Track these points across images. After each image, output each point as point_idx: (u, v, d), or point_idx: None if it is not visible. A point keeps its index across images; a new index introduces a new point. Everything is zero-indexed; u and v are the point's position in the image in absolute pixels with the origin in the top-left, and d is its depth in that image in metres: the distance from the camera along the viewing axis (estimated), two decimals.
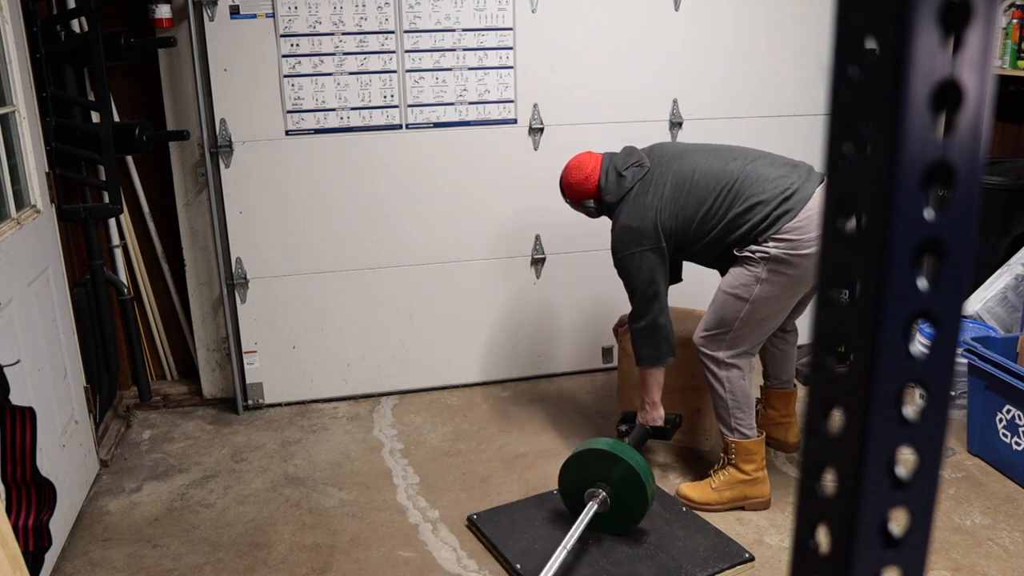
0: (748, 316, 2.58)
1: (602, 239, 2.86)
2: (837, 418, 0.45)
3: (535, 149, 3.51)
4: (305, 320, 3.53)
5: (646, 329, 2.71)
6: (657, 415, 2.83)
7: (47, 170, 2.82)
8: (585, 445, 2.56)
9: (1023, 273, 3.35)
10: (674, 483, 2.91)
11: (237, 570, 2.50)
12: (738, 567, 2.44)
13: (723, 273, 2.71)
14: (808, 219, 2.45)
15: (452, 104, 3.43)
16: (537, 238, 3.62)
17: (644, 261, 2.65)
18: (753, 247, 2.52)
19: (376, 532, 2.68)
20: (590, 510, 2.45)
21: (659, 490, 2.82)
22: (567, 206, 2.90)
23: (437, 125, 3.45)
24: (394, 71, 3.36)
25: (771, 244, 2.49)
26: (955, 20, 0.38)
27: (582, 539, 2.54)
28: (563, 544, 2.34)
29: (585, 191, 2.77)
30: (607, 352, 3.80)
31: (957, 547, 2.52)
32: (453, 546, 2.60)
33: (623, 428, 2.92)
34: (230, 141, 3.28)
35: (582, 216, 2.88)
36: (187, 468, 3.09)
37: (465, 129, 3.47)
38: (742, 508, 2.74)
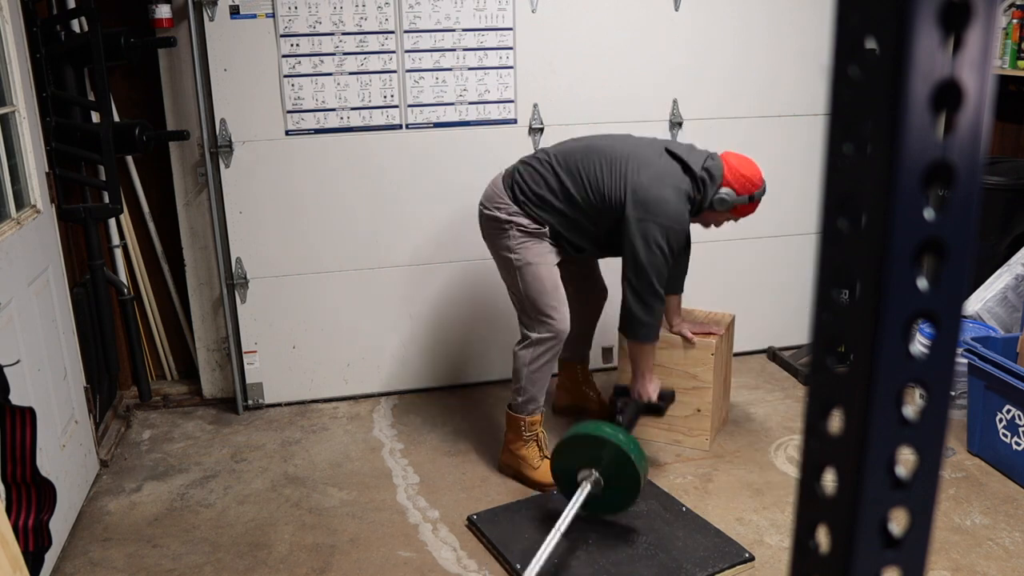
0: None
1: None
2: (837, 418, 0.45)
3: (535, 149, 3.50)
4: (305, 320, 3.53)
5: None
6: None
7: (47, 170, 2.82)
8: (572, 431, 2.53)
9: (1023, 273, 3.35)
10: (673, 482, 2.91)
11: (237, 570, 2.50)
12: (738, 567, 2.44)
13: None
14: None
15: (452, 104, 3.43)
16: None
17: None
18: None
19: (376, 532, 2.68)
20: (583, 491, 2.42)
21: (659, 490, 2.82)
22: None
23: (437, 125, 3.45)
24: (394, 71, 3.36)
25: None
26: (955, 20, 0.38)
27: (580, 539, 2.54)
28: (556, 526, 2.31)
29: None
30: (607, 352, 3.80)
31: (957, 547, 2.52)
32: (453, 546, 2.60)
33: (619, 402, 2.88)
34: (230, 141, 3.28)
35: None
36: (187, 468, 3.09)
37: (465, 129, 3.47)
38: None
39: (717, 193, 2.68)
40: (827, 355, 0.44)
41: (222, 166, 3.30)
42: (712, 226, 2.85)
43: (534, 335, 2.79)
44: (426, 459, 3.12)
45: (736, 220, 2.80)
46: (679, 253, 2.79)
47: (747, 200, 2.71)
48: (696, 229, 2.95)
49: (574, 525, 2.49)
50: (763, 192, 2.73)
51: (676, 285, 3.03)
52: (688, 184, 2.67)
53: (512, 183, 2.79)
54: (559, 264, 2.83)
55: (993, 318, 3.34)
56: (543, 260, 2.76)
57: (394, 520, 2.74)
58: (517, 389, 2.86)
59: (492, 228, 2.82)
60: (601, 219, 2.72)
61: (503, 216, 2.77)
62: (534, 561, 2.24)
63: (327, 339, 3.57)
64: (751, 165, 2.72)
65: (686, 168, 2.68)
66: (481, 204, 2.87)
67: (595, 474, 2.46)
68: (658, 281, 2.64)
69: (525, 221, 2.75)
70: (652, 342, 2.75)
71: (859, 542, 0.44)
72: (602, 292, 3.20)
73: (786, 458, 3.08)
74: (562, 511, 2.46)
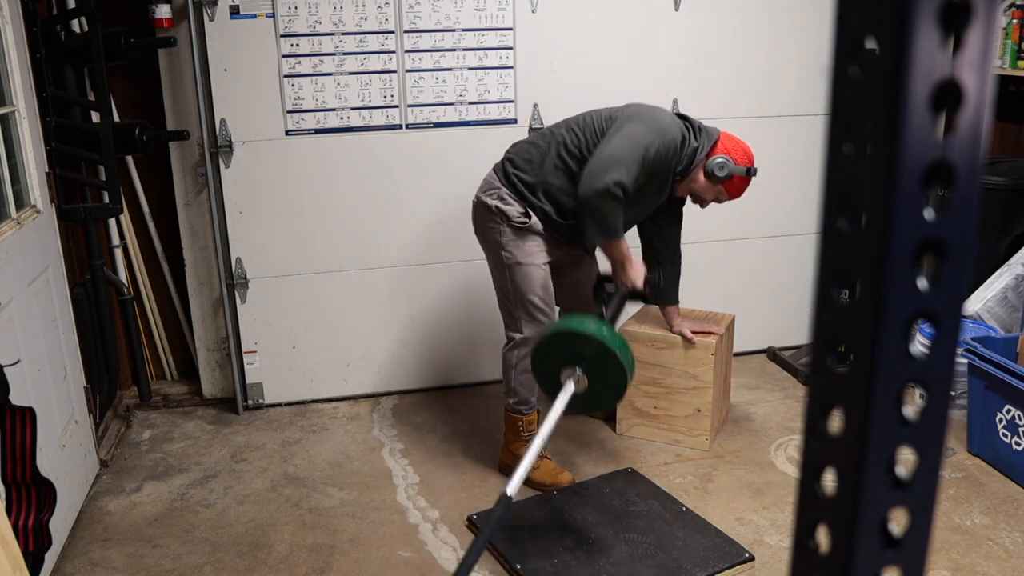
0: None
1: None
2: (837, 418, 0.45)
3: None
4: (305, 320, 3.53)
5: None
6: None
7: (47, 170, 2.82)
8: (552, 326, 2.38)
9: (1023, 273, 3.35)
10: (673, 482, 2.91)
11: (237, 570, 2.50)
12: (738, 567, 2.44)
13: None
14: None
15: (452, 104, 3.43)
16: None
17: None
18: None
19: (376, 532, 2.68)
20: (567, 391, 2.25)
21: (659, 490, 2.82)
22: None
23: (437, 125, 3.45)
24: (394, 71, 3.36)
25: None
26: (955, 20, 0.38)
27: (580, 539, 2.54)
28: (540, 432, 2.18)
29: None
30: None
31: (957, 547, 2.52)
32: (453, 546, 2.60)
33: (608, 289, 2.78)
34: (230, 141, 3.28)
35: None
36: (187, 468, 3.09)
37: (465, 129, 3.47)
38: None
39: (714, 159, 2.65)
40: (827, 355, 0.44)
41: (222, 166, 3.30)
42: (700, 203, 2.80)
43: (518, 336, 2.79)
44: (426, 459, 3.12)
45: (724, 199, 2.75)
46: (656, 189, 2.71)
47: (744, 172, 2.68)
48: (693, 224, 2.95)
49: (574, 525, 2.49)
50: (756, 170, 2.71)
51: (671, 295, 3.02)
52: (682, 125, 2.66)
53: (504, 163, 2.81)
54: (553, 265, 2.83)
55: (993, 318, 3.34)
56: (532, 260, 2.75)
57: (394, 520, 2.74)
58: (508, 391, 2.86)
59: (483, 219, 2.81)
60: None
61: (492, 203, 2.74)
62: (515, 475, 2.07)
63: (327, 339, 3.57)
64: (744, 143, 2.73)
65: (682, 119, 2.69)
66: (475, 197, 2.86)
67: (578, 372, 2.26)
68: (626, 175, 2.48)
69: (515, 211, 2.72)
70: (620, 237, 2.63)
71: (859, 542, 0.44)
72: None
73: (786, 458, 3.08)
74: (563, 512, 2.46)
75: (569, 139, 2.71)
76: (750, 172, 2.69)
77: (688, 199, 2.87)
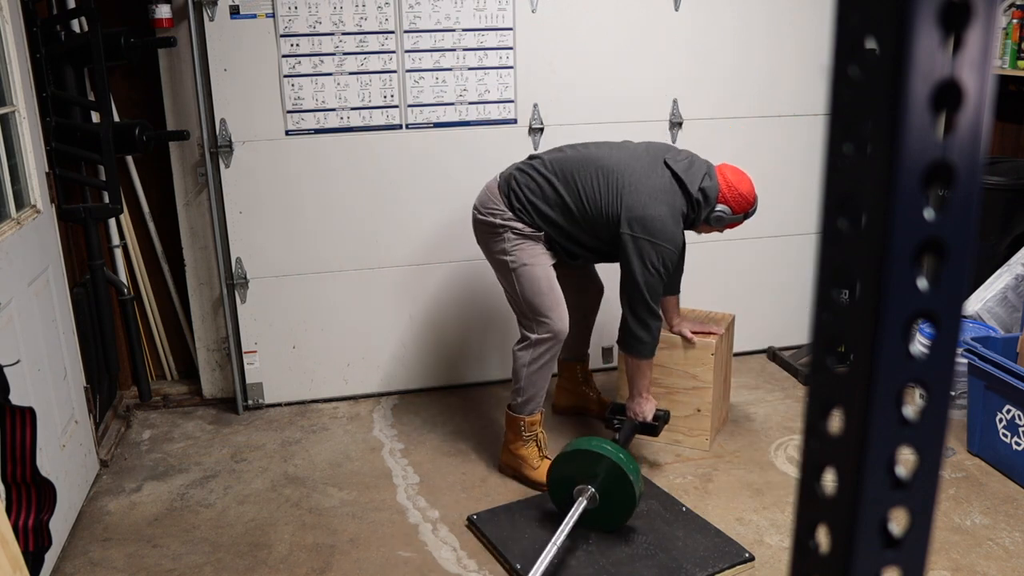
0: None
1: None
2: (837, 418, 0.45)
3: (535, 149, 3.50)
4: (305, 320, 3.53)
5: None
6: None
7: (47, 170, 2.82)
8: (572, 445, 2.57)
9: (1023, 273, 3.35)
10: (673, 482, 2.91)
11: (237, 570, 2.50)
12: (738, 567, 2.44)
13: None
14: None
15: (452, 104, 3.43)
16: None
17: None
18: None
19: (376, 532, 2.68)
20: (579, 506, 2.47)
21: (659, 490, 2.82)
22: None
23: (437, 125, 3.45)
24: (394, 71, 3.36)
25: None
26: (955, 20, 0.38)
27: (580, 539, 2.54)
28: (553, 540, 2.34)
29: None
30: (607, 352, 3.80)
31: (957, 547, 2.52)
32: (453, 546, 2.60)
33: (616, 421, 2.92)
34: (230, 141, 3.28)
35: None
36: (187, 468, 3.09)
37: (465, 129, 3.47)
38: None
39: (713, 211, 2.74)
40: (827, 355, 0.44)
41: (222, 166, 3.30)
42: (701, 232, 2.90)
43: (533, 336, 2.79)
44: (426, 459, 3.12)
45: (722, 231, 2.88)
46: (674, 269, 2.84)
47: (741, 218, 2.79)
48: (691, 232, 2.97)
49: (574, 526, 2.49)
50: (755, 209, 2.81)
51: (673, 286, 3.03)
52: (683, 203, 2.72)
53: (508, 190, 2.79)
54: (554, 265, 2.83)
55: (993, 318, 3.34)
56: (538, 261, 2.77)
57: (394, 520, 2.74)
58: (517, 389, 2.86)
59: (486, 232, 2.83)
60: (596, 230, 2.75)
61: (498, 221, 2.78)
62: (532, 573, 2.26)
63: (327, 339, 3.57)
64: (746, 181, 2.76)
65: (683, 188, 2.71)
66: (475, 208, 2.87)
67: (591, 490, 2.50)
68: (652, 299, 2.70)
69: (520, 225, 2.77)
70: (648, 359, 2.79)
71: (859, 542, 0.44)
72: (598, 290, 3.21)
73: (786, 458, 3.08)
74: (564, 513, 2.47)
75: (568, 196, 2.74)
76: (748, 217, 2.81)
77: None
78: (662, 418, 2.92)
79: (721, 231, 2.86)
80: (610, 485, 2.48)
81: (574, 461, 2.53)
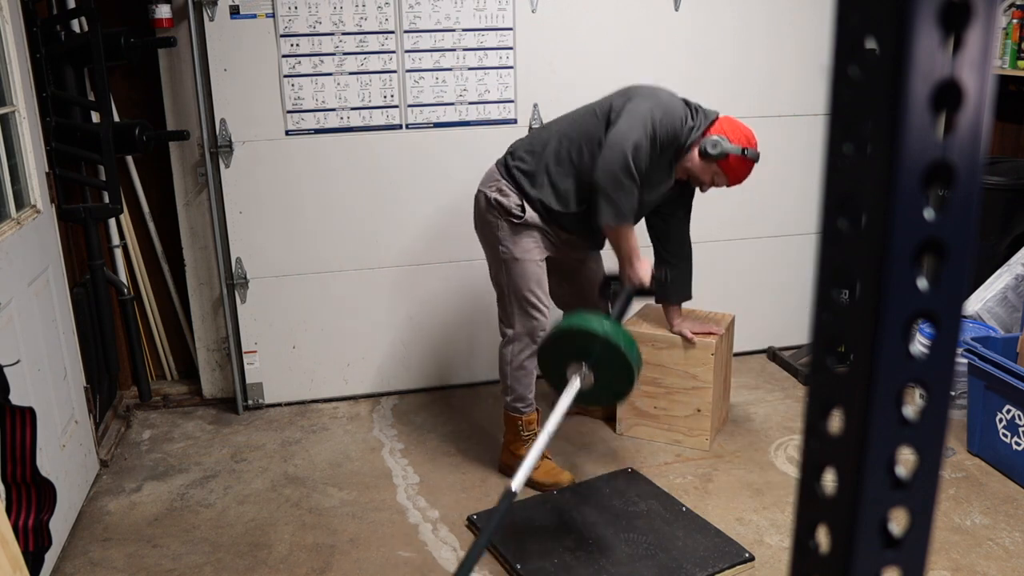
0: None
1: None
2: (837, 418, 0.45)
3: None
4: (305, 320, 3.53)
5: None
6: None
7: (47, 170, 2.82)
8: (557, 325, 2.37)
9: (1023, 273, 3.35)
10: (673, 482, 2.91)
11: (237, 570, 2.50)
12: (738, 567, 2.44)
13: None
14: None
15: (452, 104, 3.43)
16: None
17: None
18: None
19: (376, 532, 2.68)
20: (572, 387, 2.27)
21: (659, 490, 2.82)
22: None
23: (437, 125, 3.45)
24: (394, 71, 3.36)
25: None
26: (955, 20, 0.38)
27: (580, 539, 2.54)
28: (545, 427, 2.20)
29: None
30: None
31: (957, 547, 2.52)
32: (453, 546, 2.60)
33: (614, 287, 2.79)
34: (230, 141, 3.28)
35: None
36: (187, 468, 3.09)
37: (465, 129, 3.47)
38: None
39: (708, 137, 2.63)
40: (827, 355, 0.44)
41: (222, 166, 3.30)
42: (700, 185, 2.77)
43: (511, 331, 2.81)
44: (426, 459, 3.12)
45: (726, 183, 2.72)
46: (665, 167, 2.70)
47: (740, 152, 2.63)
48: (694, 224, 2.96)
49: (574, 525, 2.49)
50: (757, 154, 2.66)
51: (682, 291, 3.02)
52: (682, 102, 2.68)
53: (506, 153, 2.83)
54: (553, 265, 2.83)
55: (993, 318, 3.34)
56: (528, 256, 2.77)
57: (394, 520, 2.74)
58: (505, 389, 2.87)
59: (482, 213, 2.82)
60: (593, 160, 2.64)
61: (492, 196, 2.76)
62: (520, 471, 2.10)
63: (327, 339, 3.57)
64: (746, 127, 2.70)
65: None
66: (478, 190, 2.86)
67: (584, 368, 2.29)
68: (633, 159, 2.50)
69: (512, 203, 2.72)
70: (629, 222, 2.62)
71: (859, 542, 0.44)
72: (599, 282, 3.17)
73: (786, 458, 3.08)
74: (564, 512, 2.46)
75: (568, 126, 2.75)
76: (746, 153, 2.64)
77: (697, 192, 2.88)
78: (659, 279, 2.74)
79: (726, 182, 2.70)
80: (603, 361, 2.27)
81: (563, 341, 2.33)
